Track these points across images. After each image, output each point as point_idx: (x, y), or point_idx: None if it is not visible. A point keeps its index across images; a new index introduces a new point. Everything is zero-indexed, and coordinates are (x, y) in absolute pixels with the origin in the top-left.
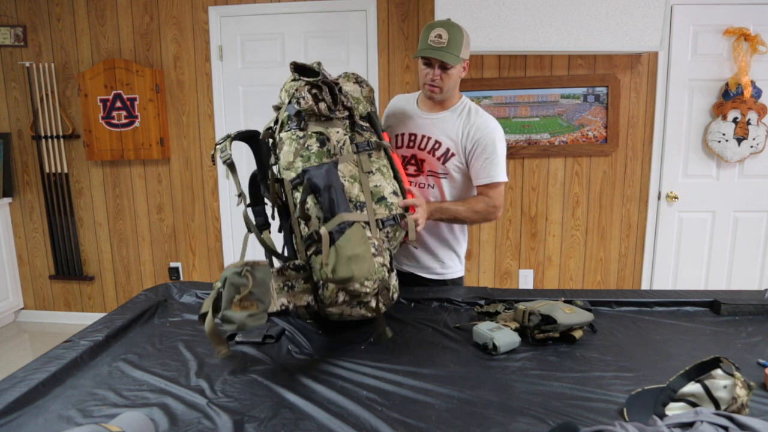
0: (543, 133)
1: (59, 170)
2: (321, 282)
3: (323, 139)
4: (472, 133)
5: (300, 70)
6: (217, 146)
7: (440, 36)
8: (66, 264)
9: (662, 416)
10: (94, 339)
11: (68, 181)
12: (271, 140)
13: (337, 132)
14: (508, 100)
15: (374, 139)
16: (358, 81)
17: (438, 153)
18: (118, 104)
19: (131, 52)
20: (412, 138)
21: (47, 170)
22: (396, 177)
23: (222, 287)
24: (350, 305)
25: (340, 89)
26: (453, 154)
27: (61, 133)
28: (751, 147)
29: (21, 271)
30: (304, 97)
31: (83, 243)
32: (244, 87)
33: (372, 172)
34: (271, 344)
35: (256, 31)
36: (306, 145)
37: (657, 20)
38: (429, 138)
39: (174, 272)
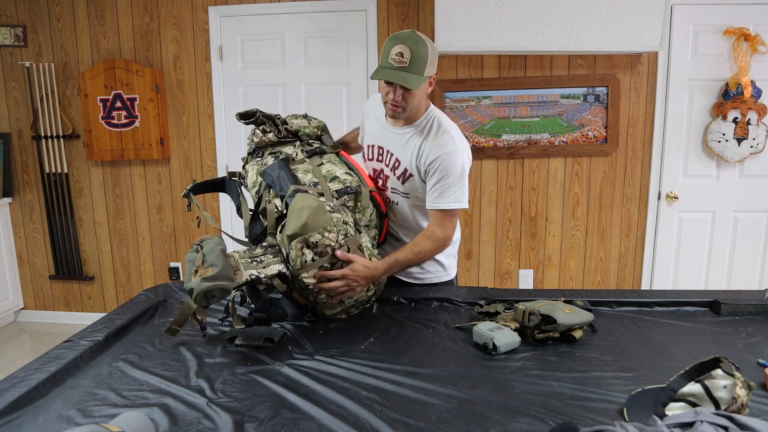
0: (543, 133)
1: (59, 170)
2: (288, 249)
3: (277, 154)
4: (425, 155)
5: (243, 116)
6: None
7: (402, 54)
8: (66, 264)
9: (662, 416)
10: (94, 339)
11: (68, 181)
12: (239, 178)
13: (289, 148)
14: (508, 100)
15: (324, 146)
16: (306, 117)
17: (398, 172)
18: (118, 104)
19: (131, 52)
20: (380, 152)
21: (47, 170)
22: (350, 168)
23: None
24: (324, 269)
25: (283, 121)
26: (411, 175)
27: (61, 133)
28: (751, 147)
29: (21, 271)
30: (255, 134)
31: (83, 243)
32: (244, 87)
33: (322, 163)
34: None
35: (256, 31)
36: (264, 163)
37: (657, 20)
38: (392, 154)
39: (174, 272)
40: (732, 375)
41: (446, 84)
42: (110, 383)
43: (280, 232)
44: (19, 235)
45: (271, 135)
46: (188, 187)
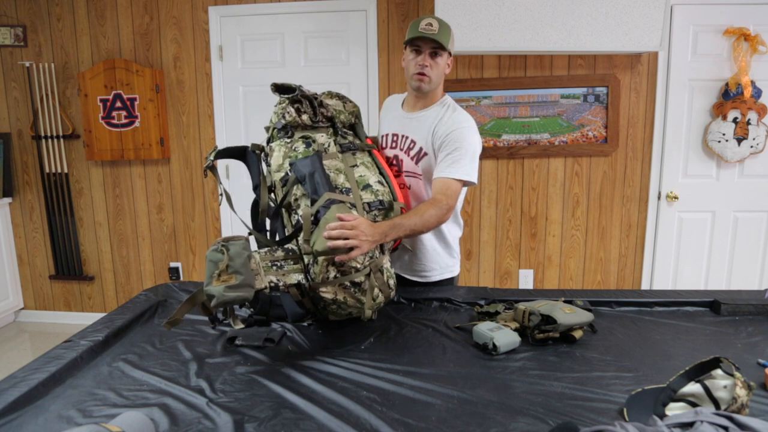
0: (543, 133)
1: (59, 170)
2: (311, 260)
3: (309, 141)
4: (440, 129)
5: (280, 89)
6: (206, 158)
7: (431, 24)
8: (66, 264)
9: (662, 416)
10: (94, 339)
11: (68, 181)
12: (262, 153)
13: (321, 136)
14: (508, 100)
15: (358, 141)
16: (341, 98)
17: (412, 152)
18: (118, 104)
19: (131, 52)
20: (395, 138)
21: (47, 170)
22: (382, 173)
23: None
24: (344, 287)
25: (320, 102)
26: (425, 154)
27: (61, 133)
28: (751, 147)
29: (21, 271)
30: (288, 111)
31: (83, 243)
32: (244, 87)
33: (356, 165)
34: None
35: (256, 31)
36: (293, 148)
37: (657, 20)
38: (406, 137)
39: (174, 272)
40: (732, 375)
41: (446, 84)
42: (110, 383)
43: (306, 240)
44: (19, 235)
45: (305, 117)
46: (211, 156)
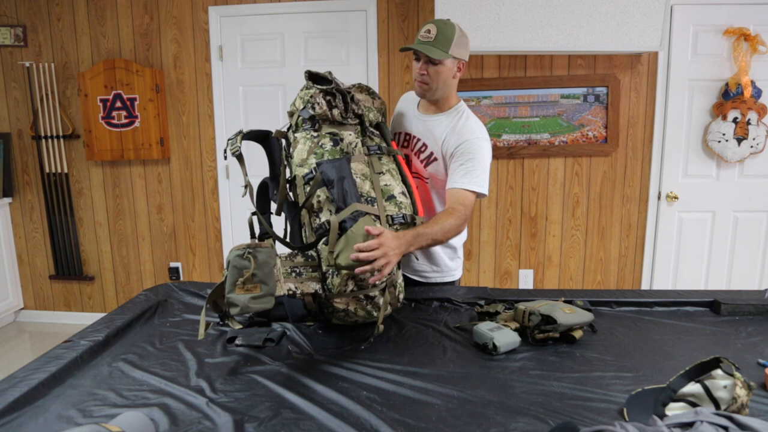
0: (543, 133)
1: (59, 170)
2: (331, 271)
3: (337, 139)
4: (452, 138)
5: (314, 78)
6: (229, 140)
7: (429, 31)
8: (66, 264)
9: (662, 416)
10: (94, 339)
11: (68, 181)
12: (284, 140)
13: (350, 134)
14: (508, 100)
15: (384, 144)
16: (370, 93)
17: (422, 156)
18: (118, 104)
19: (131, 52)
20: (407, 138)
21: (47, 170)
22: (405, 182)
23: (227, 271)
24: (357, 299)
25: (352, 97)
26: (435, 159)
27: (61, 133)
28: (751, 147)
29: (21, 271)
30: (318, 103)
31: (83, 243)
32: (244, 87)
33: (382, 172)
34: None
35: (256, 31)
36: (320, 144)
37: (657, 20)
38: (418, 140)
39: (174, 272)
40: (732, 375)
41: None
42: (110, 383)
43: (330, 252)
44: (19, 235)
45: (335, 112)
46: (237, 140)
